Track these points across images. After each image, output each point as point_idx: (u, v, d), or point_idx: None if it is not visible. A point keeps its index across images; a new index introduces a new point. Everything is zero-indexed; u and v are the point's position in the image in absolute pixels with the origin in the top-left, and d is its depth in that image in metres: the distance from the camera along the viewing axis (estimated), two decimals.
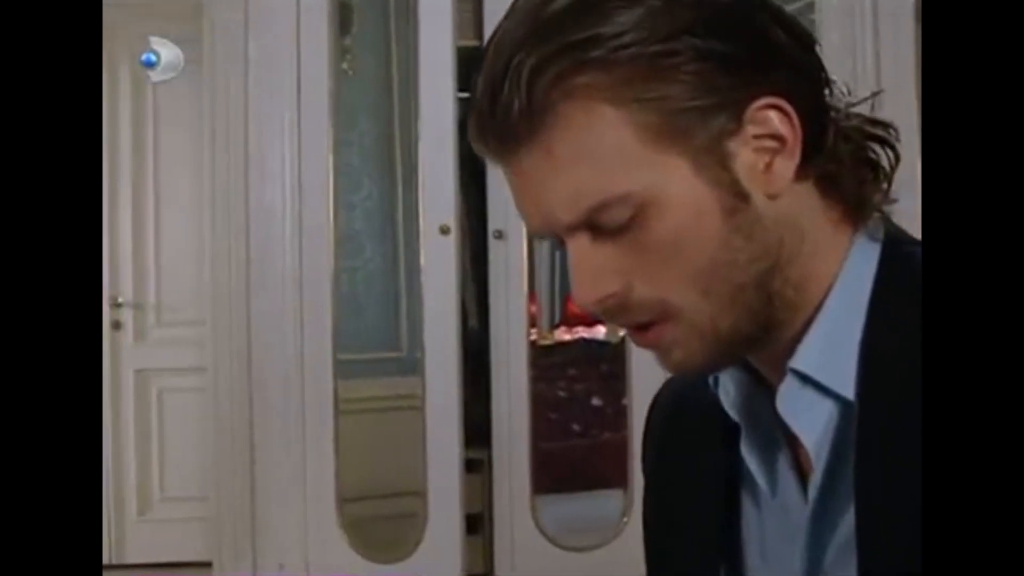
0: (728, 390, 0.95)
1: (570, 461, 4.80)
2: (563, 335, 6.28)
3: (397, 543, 4.32)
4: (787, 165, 0.87)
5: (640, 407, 4.08)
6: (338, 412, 4.35)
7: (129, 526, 5.20)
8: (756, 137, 0.86)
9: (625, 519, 4.28)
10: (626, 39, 0.82)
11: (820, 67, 0.90)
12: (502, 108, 0.84)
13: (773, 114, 0.86)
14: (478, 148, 0.88)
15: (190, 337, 4.80)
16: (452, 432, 4.25)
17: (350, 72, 4.98)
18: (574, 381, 5.55)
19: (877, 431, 0.85)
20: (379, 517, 4.48)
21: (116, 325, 5.17)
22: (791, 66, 0.87)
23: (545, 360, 5.95)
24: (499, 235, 4.39)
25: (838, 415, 0.88)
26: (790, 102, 0.86)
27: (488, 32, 0.89)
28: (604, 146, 0.83)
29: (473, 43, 4.35)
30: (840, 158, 0.89)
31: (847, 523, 0.86)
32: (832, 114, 0.90)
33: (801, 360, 0.88)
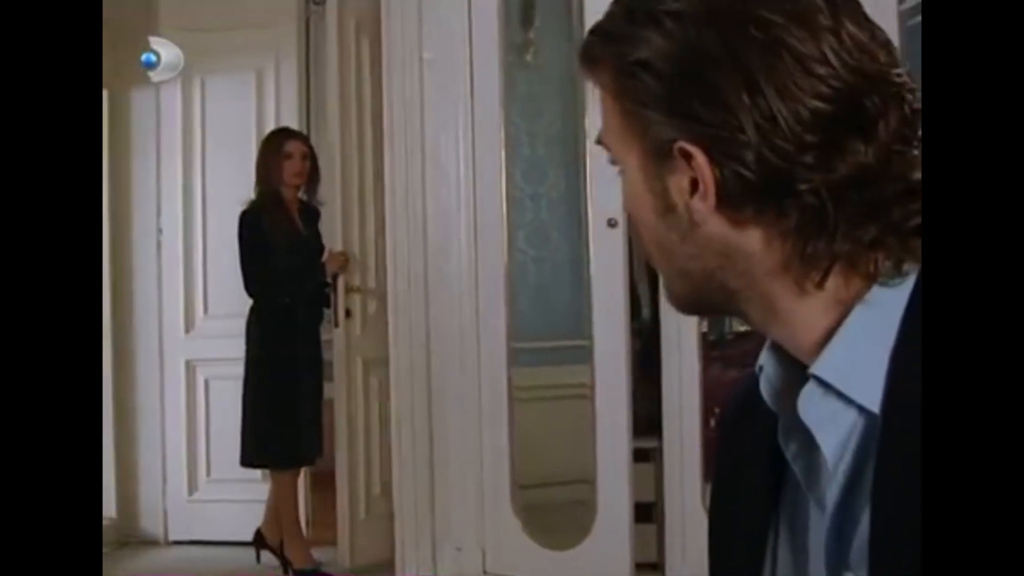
0: (769, 376, 0.99)
1: None
2: None
3: (569, 529, 4.41)
4: (701, 204, 0.92)
5: None
6: (512, 400, 4.46)
7: (357, 524, 5.12)
8: (681, 170, 0.93)
9: None
10: (618, 49, 0.94)
11: (776, 133, 0.89)
12: None
13: (690, 157, 0.91)
14: None
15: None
16: (621, 421, 4.30)
17: (532, 65, 5.09)
18: None
19: (900, 448, 0.86)
20: (552, 503, 4.58)
21: (348, 313, 5.03)
22: (729, 120, 0.89)
23: (734, 348, 5.91)
24: None
25: (862, 426, 0.90)
26: (710, 153, 0.90)
27: None
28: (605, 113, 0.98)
29: None
30: (787, 214, 0.91)
31: (865, 526, 0.88)
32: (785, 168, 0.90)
33: (823, 367, 0.91)
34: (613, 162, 0.99)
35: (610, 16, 0.96)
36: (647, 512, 4.48)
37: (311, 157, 4.99)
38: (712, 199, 0.91)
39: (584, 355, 4.48)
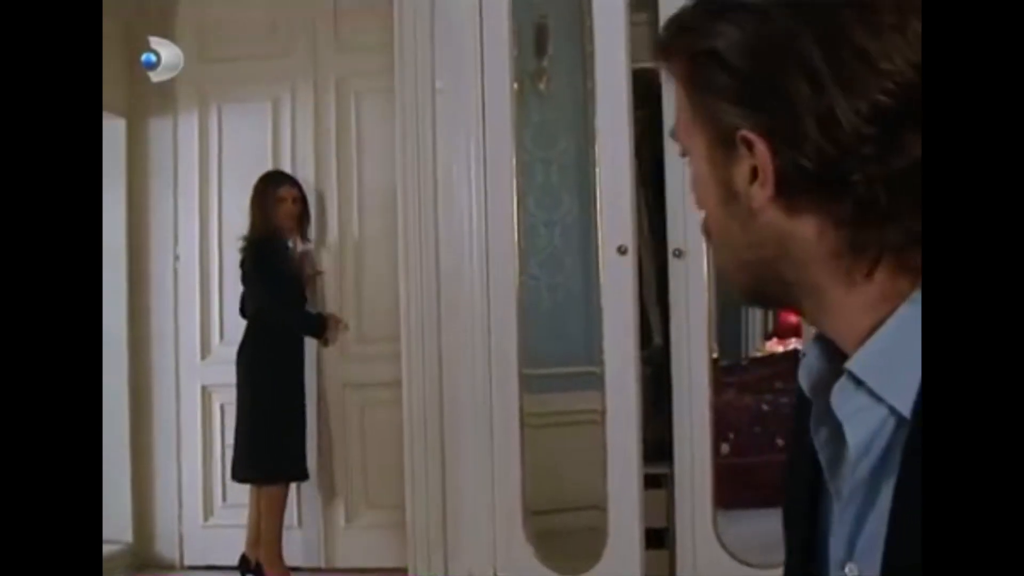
0: (809, 365, 1.02)
1: (765, 475, 4.76)
2: (775, 347, 6.24)
3: (581, 555, 4.42)
4: (760, 192, 0.95)
5: None
6: (523, 426, 4.49)
7: (337, 532, 5.54)
8: (743, 158, 0.96)
9: None
10: (692, 40, 0.98)
11: (835, 125, 0.92)
12: None
13: (751, 144, 0.95)
14: None
15: (388, 353, 4.97)
16: (632, 447, 4.32)
17: (545, 93, 5.13)
18: (780, 394, 5.50)
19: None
20: (564, 529, 4.60)
21: (324, 341, 5.44)
22: (791, 112, 0.92)
23: (753, 373, 5.91)
24: (678, 254, 4.43)
25: (891, 426, 0.92)
26: (770, 141, 0.93)
27: None
28: (678, 104, 1.02)
29: (648, 65, 4.39)
30: (841, 203, 0.93)
31: (875, 519, 0.92)
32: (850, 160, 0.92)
33: (858, 363, 0.93)
34: (683, 153, 1.02)
35: (685, 8, 1.00)
36: (658, 538, 4.50)
37: (301, 200, 5.33)
38: (771, 187, 0.94)
39: (595, 381, 4.50)
